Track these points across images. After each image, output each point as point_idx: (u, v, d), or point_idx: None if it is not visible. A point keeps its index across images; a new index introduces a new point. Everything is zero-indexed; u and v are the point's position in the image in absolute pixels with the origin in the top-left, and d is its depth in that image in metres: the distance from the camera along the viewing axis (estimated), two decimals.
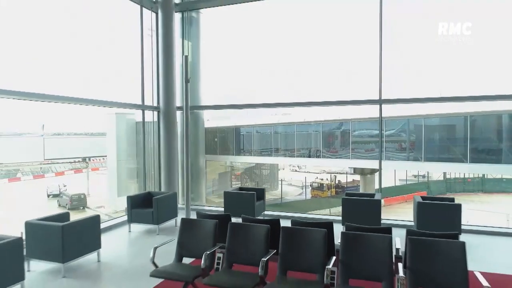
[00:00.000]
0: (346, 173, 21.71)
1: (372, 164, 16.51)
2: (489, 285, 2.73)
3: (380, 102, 6.90)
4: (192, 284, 3.71)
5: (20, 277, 3.91)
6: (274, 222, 3.89)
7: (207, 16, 8.76)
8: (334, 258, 3.32)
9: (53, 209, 18.11)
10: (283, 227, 3.64)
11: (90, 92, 7.05)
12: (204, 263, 3.41)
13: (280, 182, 21.12)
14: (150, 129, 10.91)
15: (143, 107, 7.94)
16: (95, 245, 4.92)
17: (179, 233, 3.91)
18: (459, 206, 5.51)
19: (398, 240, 3.81)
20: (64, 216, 5.04)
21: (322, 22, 8.05)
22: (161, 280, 3.92)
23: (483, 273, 2.98)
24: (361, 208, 5.80)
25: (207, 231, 3.83)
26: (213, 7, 8.26)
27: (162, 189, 7.93)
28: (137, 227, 6.52)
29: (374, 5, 6.88)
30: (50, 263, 4.54)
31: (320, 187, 22.13)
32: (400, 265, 3.17)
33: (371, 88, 7.01)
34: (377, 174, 19.87)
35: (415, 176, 23.56)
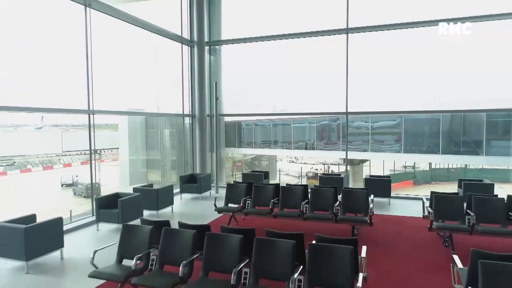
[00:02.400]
0: (338, 164, 24.51)
1: (359, 155, 19.41)
2: (372, 208, 6.17)
3: (347, 113, 10.30)
4: (234, 217, 7.15)
5: (140, 214, 7.30)
6: (277, 185, 7.31)
7: (225, 48, 12.06)
8: (306, 200, 6.75)
9: (69, 197, 20.04)
10: (282, 186, 7.08)
11: (147, 105, 10.43)
12: (242, 204, 6.86)
13: (278, 172, 23.22)
14: (159, 124, 13.44)
15: (183, 115, 11.31)
16: (170, 202, 8.35)
17: (226, 191, 7.36)
18: (389, 181, 8.97)
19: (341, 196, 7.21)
20: (150, 186, 8.43)
21: (307, 53, 11.34)
22: (219, 215, 7.39)
23: (386, 215, 6.40)
24: (330, 181, 9.19)
25: (242, 189, 7.27)
26: (229, 44, 11.63)
27: (197, 172, 11.32)
28: (186, 196, 9.93)
29: (342, 45, 10.16)
30: (148, 211, 7.93)
31: (315, 176, 23.46)
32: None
33: (341, 102, 10.35)
34: (364, 164, 22.94)
35: (404, 167, 26.48)
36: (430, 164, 23.63)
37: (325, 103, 11.12)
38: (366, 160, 23.65)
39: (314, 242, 3.92)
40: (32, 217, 5.58)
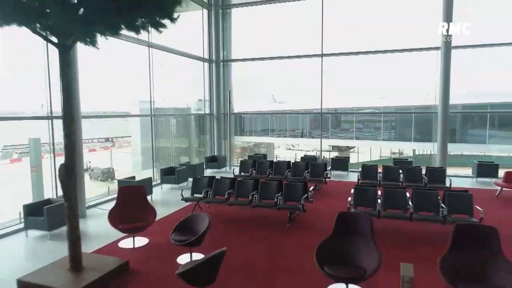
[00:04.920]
0: (330, 151, 28.72)
1: (345, 142, 23.19)
2: (327, 174, 10.60)
3: (321, 113, 14.67)
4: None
5: (187, 179, 11.72)
6: (271, 161, 11.72)
7: (235, 64, 16.34)
8: (289, 169, 11.19)
9: (86, 180, 23.04)
10: (274, 161, 11.52)
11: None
12: (250, 173, 11.31)
13: (275, 158, 27.67)
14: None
15: (204, 114, 15.66)
16: (202, 173, 12.76)
17: (240, 165, 11.79)
18: (347, 160, 13.41)
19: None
20: (188, 163, 12.82)
21: (298, 63, 15.69)
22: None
23: (341, 181, 10.91)
24: (311, 161, 13.60)
25: (249, 164, 11.72)
26: (238, 62, 15.91)
27: (216, 154, 15.71)
28: (209, 170, 14.34)
29: (319, 63, 14.43)
30: (190, 178, 12.34)
31: None
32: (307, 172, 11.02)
33: (317, 101, 14.71)
34: (351, 150, 26.96)
35: (392, 153, 30.61)
36: (413, 150, 28.38)
37: (310, 102, 15.52)
38: (353, 147, 27.84)
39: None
40: (133, 177, 9.98)
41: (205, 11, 15.29)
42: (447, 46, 12.20)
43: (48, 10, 4.25)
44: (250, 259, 5.92)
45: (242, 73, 16.68)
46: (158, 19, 4.97)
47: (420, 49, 13.06)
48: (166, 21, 5.03)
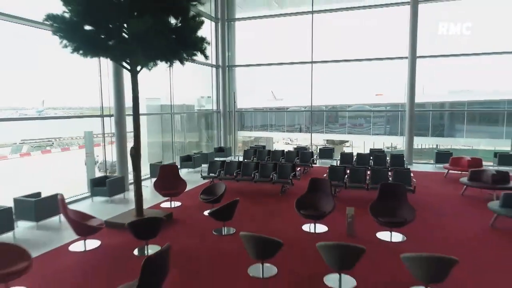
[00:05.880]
0: (324, 145, 31.37)
1: (339, 137, 25.79)
2: (314, 160, 13.40)
3: (311, 110, 17.40)
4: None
5: (201, 165, 14.49)
6: (269, 150, 14.49)
7: (238, 70, 19.06)
8: (283, 156, 13.98)
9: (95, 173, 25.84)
10: (271, 150, 14.30)
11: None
12: (251, 159, 14.11)
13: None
14: (172, 110, 20.41)
15: (212, 111, 18.42)
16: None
17: (244, 153, 14.57)
18: (332, 149, 16.19)
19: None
20: (201, 152, 15.59)
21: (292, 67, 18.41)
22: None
23: (325, 166, 13.70)
24: (301, 150, 16.36)
25: (251, 152, 14.51)
26: (241, 67, 18.62)
27: (222, 146, 18.47)
28: (217, 159, 17.09)
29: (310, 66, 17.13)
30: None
31: None
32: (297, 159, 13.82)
33: (307, 99, 17.43)
34: (347, 145, 29.71)
35: (387, 147, 33.37)
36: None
37: (306, 99, 18.27)
38: (346, 141, 30.45)
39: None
40: (160, 162, 12.74)
41: (213, 24, 17.97)
42: (413, 56, 14.92)
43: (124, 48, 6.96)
44: (253, 212, 8.74)
45: (244, 73, 19.41)
46: (193, 52, 7.72)
47: (392, 58, 15.79)
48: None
